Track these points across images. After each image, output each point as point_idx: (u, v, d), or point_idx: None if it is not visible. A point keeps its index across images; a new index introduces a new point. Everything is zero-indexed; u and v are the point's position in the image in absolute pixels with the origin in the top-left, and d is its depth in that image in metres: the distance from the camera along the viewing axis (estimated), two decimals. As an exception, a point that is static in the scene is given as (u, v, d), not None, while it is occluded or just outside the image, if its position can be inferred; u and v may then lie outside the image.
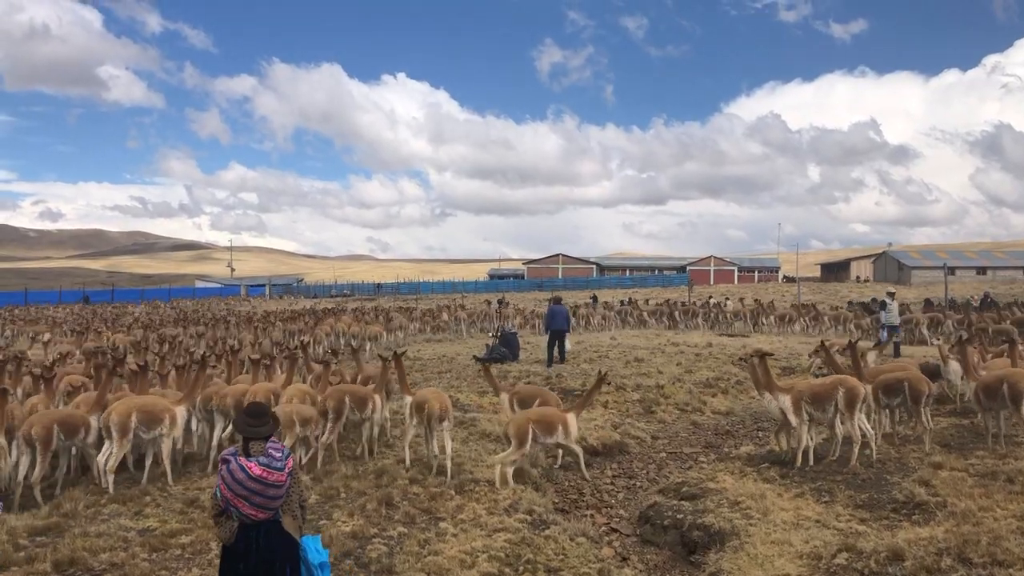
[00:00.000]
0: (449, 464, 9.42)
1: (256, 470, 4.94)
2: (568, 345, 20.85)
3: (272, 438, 5.22)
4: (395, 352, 11.38)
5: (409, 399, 10.16)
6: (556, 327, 20.35)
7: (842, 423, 9.53)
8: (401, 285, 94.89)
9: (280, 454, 5.10)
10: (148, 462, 9.28)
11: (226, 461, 5.01)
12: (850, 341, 12.62)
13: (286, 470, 5.05)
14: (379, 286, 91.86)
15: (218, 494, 4.98)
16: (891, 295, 21.40)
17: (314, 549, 5.26)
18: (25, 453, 8.47)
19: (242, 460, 4.97)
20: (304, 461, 9.65)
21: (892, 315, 20.69)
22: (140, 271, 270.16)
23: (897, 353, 18.83)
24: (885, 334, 20.02)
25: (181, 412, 9.59)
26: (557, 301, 21.60)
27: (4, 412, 8.57)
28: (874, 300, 26.81)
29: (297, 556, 5.15)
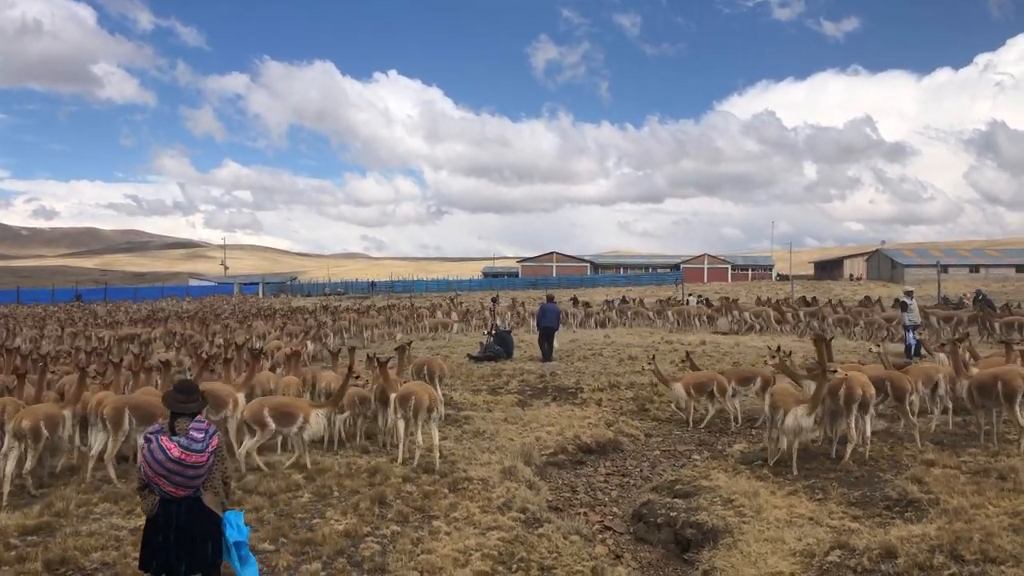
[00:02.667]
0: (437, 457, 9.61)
1: (175, 452, 5.12)
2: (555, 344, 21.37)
3: (199, 417, 5.39)
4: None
5: (392, 395, 10.25)
6: (545, 324, 21.00)
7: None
8: (395, 283, 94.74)
9: (202, 435, 5.25)
10: None
11: (148, 440, 5.18)
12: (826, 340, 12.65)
13: (207, 451, 5.21)
14: (372, 284, 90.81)
15: (141, 470, 5.19)
16: (910, 294, 21.37)
17: (234, 525, 5.37)
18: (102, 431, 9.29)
19: (163, 440, 5.14)
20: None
21: (914, 314, 20.69)
22: (133, 269, 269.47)
23: (919, 352, 18.63)
24: (912, 337, 19.82)
25: (241, 397, 10.27)
26: (550, 299, 22.17)
27: (80, 393, 9.64)
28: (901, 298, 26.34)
29: (219, 531, 5.31)
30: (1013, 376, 9.53)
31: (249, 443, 9.49)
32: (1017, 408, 9.33)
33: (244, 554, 5.39)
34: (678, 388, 12.96)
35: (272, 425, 9.47)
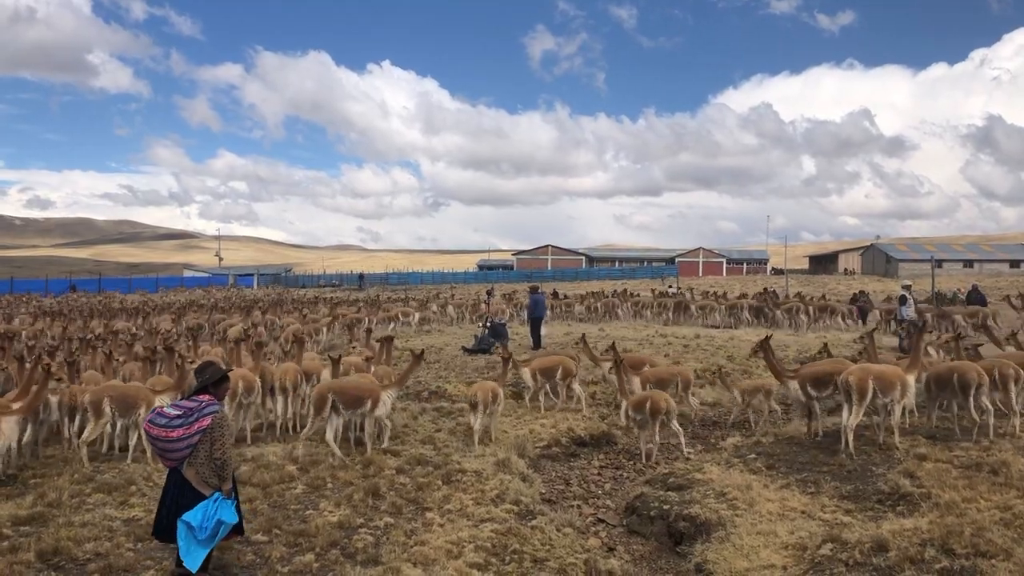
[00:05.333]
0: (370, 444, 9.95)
1: (145, 423, 5.65)
2: (543, 330, 22.18)
3: (200, 396, 5.70)
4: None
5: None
6: (539, 314, 21.76)
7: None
8: (390, 275, 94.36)
9: (178, 412, 5.55)
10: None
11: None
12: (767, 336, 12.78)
13: (180, 428, 5.45)
14: (361, 276, 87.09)
15: None
16: (908, 289, 21.33)
17: (205, 508, 5.46)
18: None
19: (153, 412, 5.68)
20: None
21: (909, 309, 20.72)
22: (127, 260, 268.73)
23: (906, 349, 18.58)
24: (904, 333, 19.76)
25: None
26: (535, 290, 22.63)
27: (258, 363, 11.27)
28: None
29: None
30: (968, 369, 9.93)
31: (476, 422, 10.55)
32: (971, 400, 9.70)
33: (199, 537, 5.42)
34: (525, 372, 13.34)
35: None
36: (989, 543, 6.21)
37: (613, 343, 13.71)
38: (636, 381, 12.24)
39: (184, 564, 5.45)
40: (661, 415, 10.36)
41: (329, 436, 9.60)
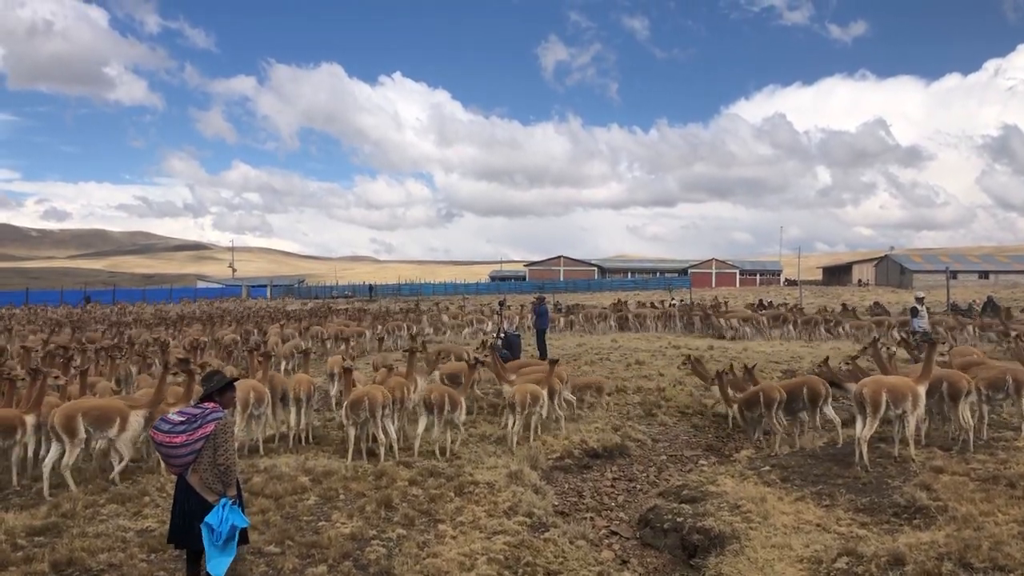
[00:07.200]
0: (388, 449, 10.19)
1: (151, 429, 5.78)
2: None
3: (205, 403, 5.75)
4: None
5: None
6: (543, 325, 22.34)
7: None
8: (402, 286, 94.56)
9: (182, 418, 5.59)
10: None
11: None
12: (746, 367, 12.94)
13: (183, 434, 5.51)
14: (372, 287, 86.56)
15: None
16: (920, 301, 21.26)
17: (218, 512, 5.50)
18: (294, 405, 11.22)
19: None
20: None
21: (923, 321, 20.64)
22: (141, 271, 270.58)
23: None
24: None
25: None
26: (541, 301, 23.27)
27: (266, 375, 11.21)
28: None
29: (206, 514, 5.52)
30: (958, 378, 10.11)
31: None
32: (960, 407, 9.91)
33: (217, 542, 5.46)
34: (435, 374, 13.89)
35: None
36: (1008, 557, 6.15)
37: (489, 344, 15.46)
38: (513, 378, 13.18)
39: (208, 570, 5.51)
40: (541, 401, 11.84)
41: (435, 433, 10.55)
